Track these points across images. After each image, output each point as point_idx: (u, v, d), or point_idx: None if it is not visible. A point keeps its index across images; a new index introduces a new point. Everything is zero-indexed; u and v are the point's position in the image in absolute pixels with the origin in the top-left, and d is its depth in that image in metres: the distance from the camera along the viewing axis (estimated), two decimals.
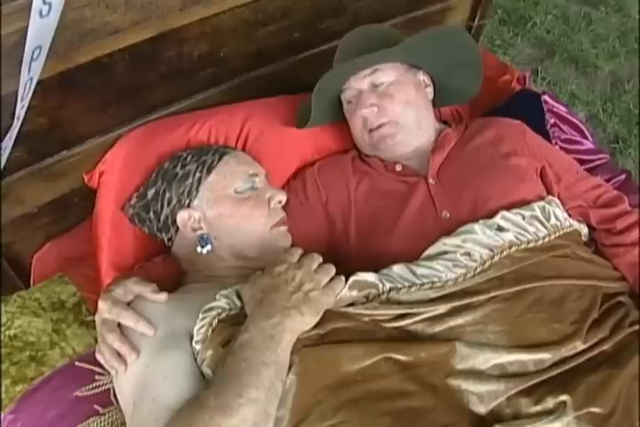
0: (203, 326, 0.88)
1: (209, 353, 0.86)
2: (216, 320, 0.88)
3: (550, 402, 0.87)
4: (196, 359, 0.88)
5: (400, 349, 0.89)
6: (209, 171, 1.11)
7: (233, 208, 1.08)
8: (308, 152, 1.34)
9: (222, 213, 1.08)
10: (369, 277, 0.96)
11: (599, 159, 1.46)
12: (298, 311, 0.84)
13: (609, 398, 0.88)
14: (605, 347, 0.95)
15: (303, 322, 0.85)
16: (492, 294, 0.95)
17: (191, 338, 0.89)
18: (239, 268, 1.09)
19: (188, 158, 1.14)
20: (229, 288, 0.93)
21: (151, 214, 1.14)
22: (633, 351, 0.94)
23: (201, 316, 0.89)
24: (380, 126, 1.18)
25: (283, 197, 1.13)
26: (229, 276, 1.06)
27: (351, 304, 0.94)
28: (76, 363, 1.10)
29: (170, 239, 1.14)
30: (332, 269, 0.92)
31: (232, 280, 1.00)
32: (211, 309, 0.90)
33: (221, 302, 0.91)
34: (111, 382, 1.02)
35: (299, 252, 0.94)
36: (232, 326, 0.87)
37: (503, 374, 0.90)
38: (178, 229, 1.11)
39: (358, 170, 1.25)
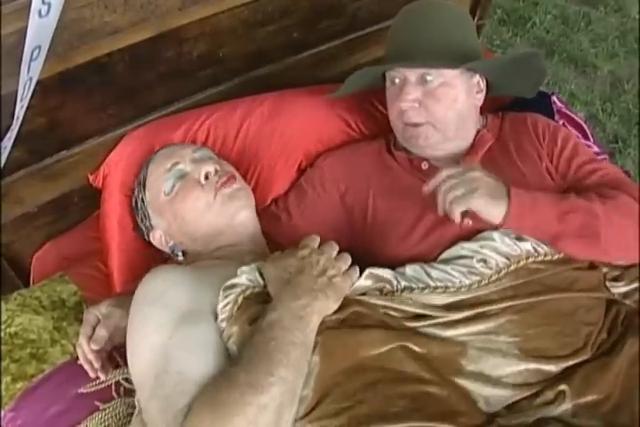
0: (228, 304, 0.88)
1: (235, 329, 0.85)
2: (241, 297, 0.88)
3: (550, 394, 0.90)
4: (220, 335, 0.87)
5: (414, 340, 0.91)
6: (144, 187, 1.13)
7: (171, 210, 1.09)
8: (312, 145, 1.33)
9: (169, 221, 1.10)
10: (385, 272, 0.97)
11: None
12: (324, 295, 0.85)
13: (606, 384, 0.90)
14: (604, 348, 0.97)
15: (327, 306, 0.86)
16: (506, 305, 0.95)
17: (215, 314, 0.89)
18: (218, 248, 1.08)
19: (135, 184, 1.17)
20: (250, 265, 0.93)
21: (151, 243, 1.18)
22: (627, 337, 0.96)
23: (223, 293, 0.89)
24: (416, 125, 1.13)
25: (207, 168, 1.08)
26: (224, 256, 1.06)
27: (364, 294, 0.95)
28: (78, 360, 1.10)
29: (169, 255, 1.17)
30: (349, 258, 0.93)
31: (233, 258, 1.02)
32: (233, 285, 0.90)
33: (243, 279, 0.91)
34: (114, 377, 1.03)
35: (318, 238, 0.94)
36: (258, 304, 0.88)
37: (510, 382, 0.91)
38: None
39: (383, 163, 1.21)
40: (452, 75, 1.12)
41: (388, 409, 0.83)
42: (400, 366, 0.88)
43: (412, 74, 1.11)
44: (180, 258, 1.11)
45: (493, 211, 0.98)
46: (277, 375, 0.76)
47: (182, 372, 0.81)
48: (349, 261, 0.93)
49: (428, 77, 1.10)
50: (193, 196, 1.06)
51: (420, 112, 1.12)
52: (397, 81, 1.14)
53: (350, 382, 0.84)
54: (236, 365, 0.79)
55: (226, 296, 0.89)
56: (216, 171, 1.09)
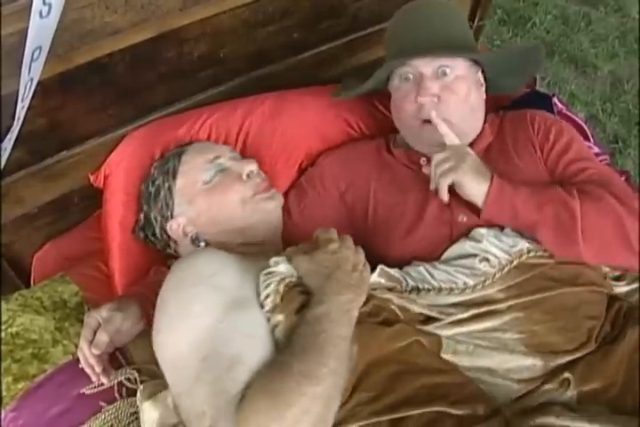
0: (270, 295, 0.88)
1: (282, 318, 0.86)
2: (282, 286, 0.89)
3: (554, 383, 0.92)
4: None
5: (423, 336, 0.94)
6: (174, 176, 1.12)
7: (207, 200, 1.10)
8: (313, 145, 1.33)
9: (200, 210, 1.10)
10: (395, 272, 1.00)
11: (600, 161, 1.46)
12: (360, 289, 0.88)
13: (609, 371, 0.92)
14: (607, 340, 0.99)
15: (362, 300, 0.89)
16: (511, 303, 0.97)
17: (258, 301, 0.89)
18: (242, 245, 1.09)
19: (155, 173, 1.16)
20: (280, 257, 0.94)
21: (151, 237, 1.17)
22: (629, 327, 0.98)
23: (263, 279, 0.90)
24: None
25: (252, 167, 1.13)
26: (252, 254, 1.06)
27: (374, 289, 0.97)
28: (79, 362, 1.10)
29: (176, 251, 1.16)
30: (362, 249, 0.95)
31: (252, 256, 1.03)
32: (271, 273, 0.91)
33: (280, 268, 0.91)
34: (117, 377, 1.04)
35: (335, 230, 0.95)
36: (301, 294, 0.89)
37: (516, 378, 0.93)
38: (176, 242, 1.14)
39: (383, 162, 1.21)
40: (464, 68, 1.13)
41: (414, 398, 0.86)
42: (418, 359, 0.91)
43: (428, 68, 1.11)
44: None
45: (476, 188, 1.02)
46: (330, 367, 0.77)
47: (238, 356, 0.80)
48: (364, 253, 0.95)
49: (447, 70, 1.11)
50: (234, 189, 1.09)
51: (438, 106, 1.11)
52: (411, 77, 1.13)
53: (377, 373, 0.87)
54: (288, 354, 0.80)
55: (267, 285, 0.89)
56: (257, 171, 1.13)
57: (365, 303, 0.91)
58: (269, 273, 0.91)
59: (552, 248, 1.02)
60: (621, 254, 1.02)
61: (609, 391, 0.91)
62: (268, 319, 0.87)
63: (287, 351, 0.81)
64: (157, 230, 1.15)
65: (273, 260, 0.93)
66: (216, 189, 1.10)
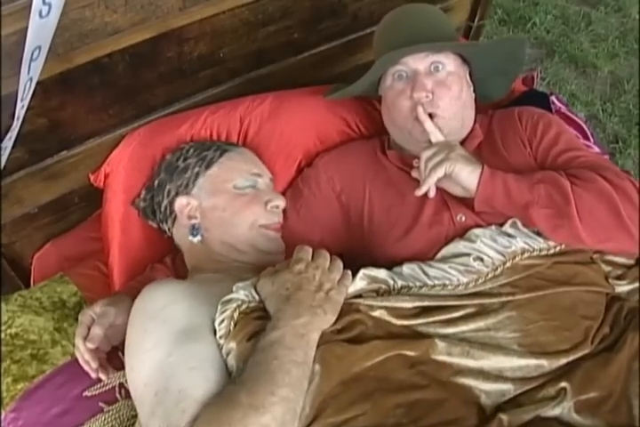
0: (224, 320, 0.87)
1: (233, 346, 0.85)
2: (237, 313, 0.88)
3: (551, 390, 0.90)
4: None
5: (411, 345, 0.90)
6: (208, 166, 1.13)
7: (228, 202, 1.10)
8: (311, 143, 1.33)
9: (217, 205, 1.10)
10: (380, 273, 0.97)
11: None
12: (322, 310, 0.86)
13: (607, 380, 0.91)
14: (606, 343, 0.97)
15: (326, 320, 0.87)
16: (504, 300, 0.96)
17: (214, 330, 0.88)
18: (233, 261, 1.09)
19: (190, 151, 1.16)
20: (246, 281, 0.93)
21: (155, 205, 1.17)
22: (629, 333, 0.97)
23: (220, 307, 0.89)
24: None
25: (281, 203, 1.13)
26: (228, 269, 1.07)
27: (359, 296, 0.95)
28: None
29: (169, 229, 1.16)
30: (341, 265, 0.93)
31: (235, 273, 1.02)
32: (229, 300, 0.90)
33: (240, 295, 0.91)
34: (118, 378, 1.03)
35: (310, 250, 0.94)
36: (255, 320, 0.87)
37: (510, 377, 0.91)
38: (175, 218, 1.13)
39: (378, 163, 1.21)
40: (455, 65, 1.14)
41: (386, 420, 0.82)
42: (395, 375, 0.87)
43: (422, 64, 1.12)
44: (197, 239, 1.09)
45: (470, 175, 1.02)
46: (279, 395, 0.76)
47: (183, 390, 0.80)
48: (342, 267, 0.93)
49: (439, 66, 1.12)
50: (253, 210, 1.10)
51: (433, 103, 1.11)
52: (405, 75, 1.14)
53: (347, 393, 0.83)
54: (237, 384, 0.79)
55: (223, 312, 0.88)
56: (280, 210, 1.14)
57: (338, 318, 0.88)
58: (228, 300, 0.89)
59: (549, 231, 1.01)
60: (618, 236, 1.00)
61: (606, 403, 0.89)
62: (222, 346, 0.86)
63: (237, 380, 0.80)
64: (165, 201, 1.14)
65: (235, 286, 0.92)
66: (240, 199, 1.10)
